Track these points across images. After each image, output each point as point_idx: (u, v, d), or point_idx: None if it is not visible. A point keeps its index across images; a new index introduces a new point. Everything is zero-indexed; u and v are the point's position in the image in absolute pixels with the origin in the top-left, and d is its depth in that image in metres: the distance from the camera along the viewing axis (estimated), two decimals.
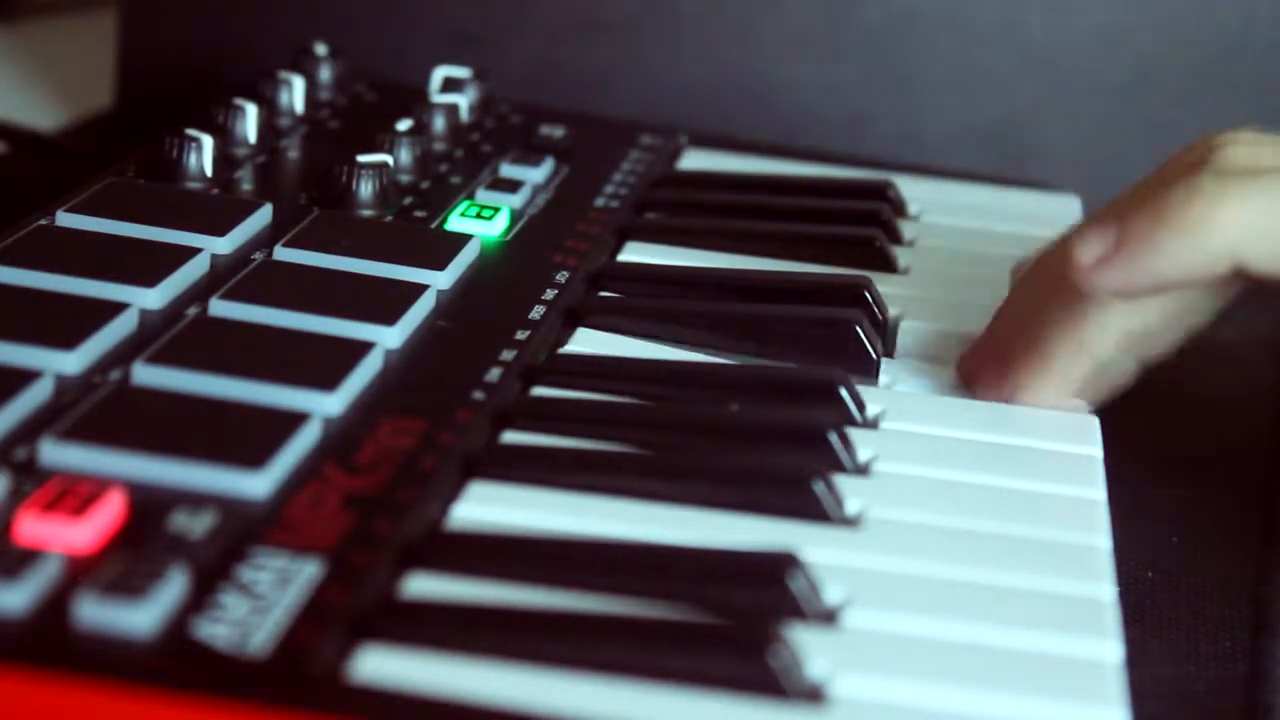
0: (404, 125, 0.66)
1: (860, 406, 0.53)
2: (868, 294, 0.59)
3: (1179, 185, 0.50)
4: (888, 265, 0.64)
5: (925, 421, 0.53)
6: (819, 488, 0.47)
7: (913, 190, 0.72)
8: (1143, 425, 0.62)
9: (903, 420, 0.53)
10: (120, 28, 0.85)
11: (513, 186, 0.66)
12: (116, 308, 0.51)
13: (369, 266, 0.57)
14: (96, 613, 0.38)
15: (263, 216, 0.60)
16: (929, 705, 0.40)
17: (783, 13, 0.81)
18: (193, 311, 0.53)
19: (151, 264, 0.54)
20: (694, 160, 0.75)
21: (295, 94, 0.71)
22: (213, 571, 0.40)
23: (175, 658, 0.38)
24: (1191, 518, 0.58)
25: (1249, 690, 0.49)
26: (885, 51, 0.81)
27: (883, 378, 0.56)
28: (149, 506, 0.42)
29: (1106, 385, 0.55)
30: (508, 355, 0.53)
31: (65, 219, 0.57)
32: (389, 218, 0.62)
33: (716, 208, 0.68)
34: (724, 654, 0.40)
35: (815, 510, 0.47)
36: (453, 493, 0.46)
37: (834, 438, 0.49)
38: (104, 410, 0.46)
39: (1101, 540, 0.47)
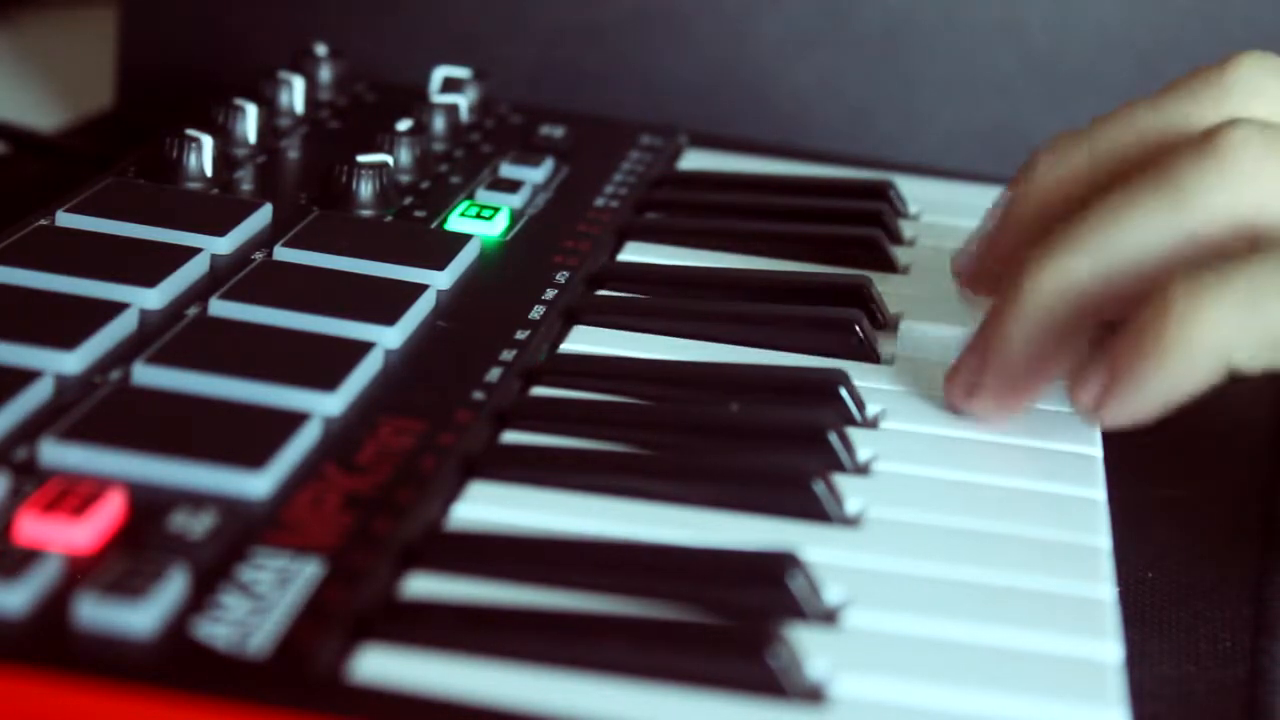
0: (404, 125, 0.66)
1: (860, 406, 0.53)
2: (868, 293, 0.59)
3: (1151, 302, 0.47)
4: (888, 265, 0.64)
5: (925, 421, 0.53)
6: (819, 488, 0.47)
7: (913, 190, 0.72)
8: (1143, 426, 0.62)
9: (903, 420, 0.53)
10: (120, 27, 0.85)
11: (513, 186, 0.66)
12: (116, 308, 0.51)
13: (369, 266, 0.57)
14: (96, 613, 0.38)
15: (263, 216, 0.60)
16: (929, 705, 0.40)
17: (783, 12, 0.81)
18: (193, 311, 0.53)
19: (151, 264, 0.54)
20: (694, 160, 0.75)
21: (295, 94, 0.71)
22: (213, 571, 0.40)
23: (175, 658, 0.38)
24: (1191, 518, 0.58)
25: (1249, 690, 0.49)
26: (885, 51, 0.81)
27: (882, 377, 0.56)
28: (149, 506, 0.42)
29: None
30: (508, 355, 0.53)
31: (65, 219, 0.57)
32: (389, 218, 0.62)
33: (716, 208, 0.68)
34: (724, 654, 0.40)
35: (815, 510, 0.47)
36: (453, 493, 0.46)
37: (834, 438, 0.49)
38: (104, 410, 0.46)
39: (1101, 540, 0.47)
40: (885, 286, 0.61)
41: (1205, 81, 0.53)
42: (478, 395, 0.50)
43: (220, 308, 0.53)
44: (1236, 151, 0.49)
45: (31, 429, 0.45)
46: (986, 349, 0.52)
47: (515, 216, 0.64)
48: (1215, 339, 0.46)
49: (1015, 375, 0.52)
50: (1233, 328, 0.46)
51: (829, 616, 0.43)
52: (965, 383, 0.53)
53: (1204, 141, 0.49)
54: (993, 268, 0.55)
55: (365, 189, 0.62)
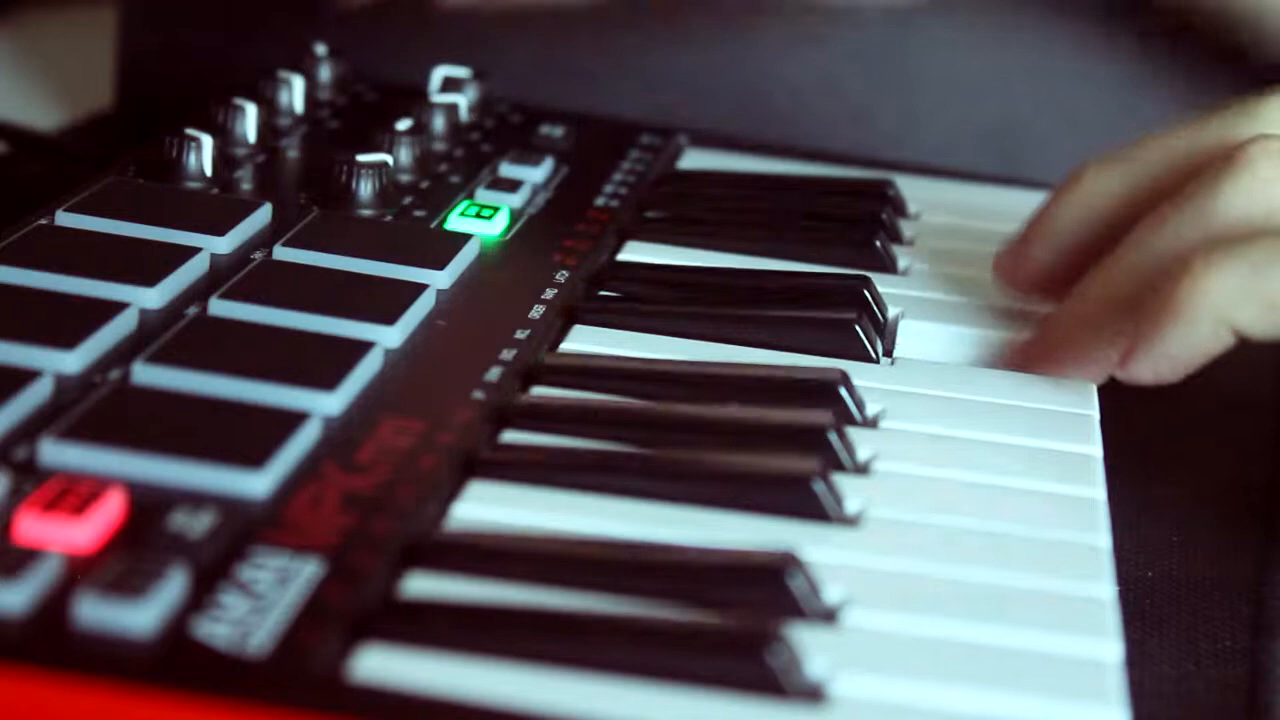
0: (404, 125, 0.66)
1: (860, 406, 0.53)
2: (868, 294, 0.59)
3: (1174, 270, 0.52)
4: (888, 265, 0.64)
5: (925, 420, 0.53)
6: (819, 487, 0.47)
7: (913, 190, 0.72)
8: (1143, 425, 0.62)
9: (903, 420, 0.53)
10: (120, 27, 0.85)
11: (512, 186, 0.66)
12: (116, 307, 0.51)
13: (369, 266, 0.57)
14: (96, 612, 0.38)
15: (262, 216, 0.60)
16: (929, 705, 0.40)
17: (783, 12, 0.81)
18: (193, 311, 0.53)
19: (151, 264, 0.54)
20: (694, 160, 0.75)
21: (295, 94, 0.71)
22: (213, 571, 0.40)
23: (175, 657, 0.38)
24: (1191, 518, 0.58)
25: (1249, 690, 0.49)
26: (885, 51, 0.81)
27: (882, 376, 0.56)
28: (149, 506, 0.42)
29: None
30: (508, 355, 0.53)
31: (65, 219, 0.57)
32: (389, 217, 0.62)
33: (717, 207, 0.68)
34: (724, 654, 0.40)
35: (815, 510, 0.47)
36: (453, 493, 0.46)
37: (834, 437, 0.49)
38: (104, 410, 0.46)
39: (1101, 540, 0.47)
40: (885, 286, 0.61)
41: (1236, 110, 0.57)
42: (478, 395, 0.50)
43: (220, 307, 0.53)
44: (1256, 162, 0.54)
45: (31, 428, 0.45)
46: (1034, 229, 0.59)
47: (515, 216, 0.64)
48: (1221, 300, 0.51)
49: (1057, 250, 0.58)
50: (1237, 291, 0.51)
51: (829, 616, 0.43)
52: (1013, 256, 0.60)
53: (1228, 158, 0.54)
54: (1028, 268, 0.60)
55: (365, 189, 0.62)
